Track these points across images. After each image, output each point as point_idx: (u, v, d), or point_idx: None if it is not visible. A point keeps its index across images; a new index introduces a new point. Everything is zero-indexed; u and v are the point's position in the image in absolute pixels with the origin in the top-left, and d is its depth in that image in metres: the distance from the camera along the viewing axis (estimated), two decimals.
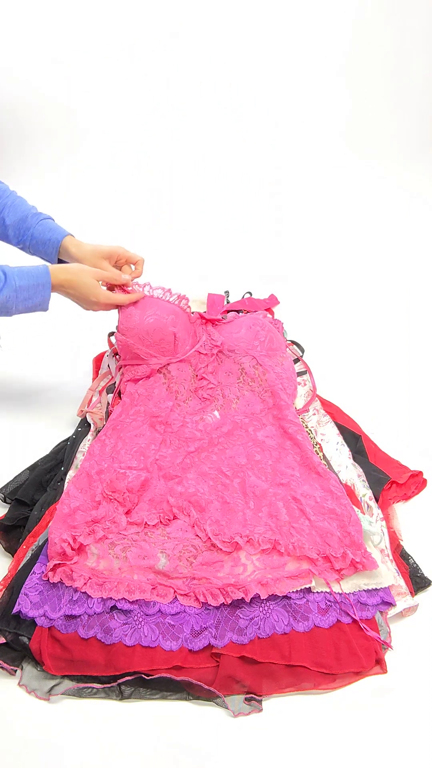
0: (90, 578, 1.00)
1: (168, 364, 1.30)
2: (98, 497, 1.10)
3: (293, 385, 1.35)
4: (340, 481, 1.17)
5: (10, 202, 1.37)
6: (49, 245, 1.34)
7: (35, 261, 1.33)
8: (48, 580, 1.01)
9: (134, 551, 1.04)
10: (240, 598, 0.97)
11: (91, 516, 1.07)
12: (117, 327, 1.31)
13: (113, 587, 0.99)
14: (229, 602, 0.97)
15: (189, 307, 1.33)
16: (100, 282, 1.28)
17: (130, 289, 1.32)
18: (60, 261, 1.37)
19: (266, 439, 1.24)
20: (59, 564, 1.02)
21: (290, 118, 2.89)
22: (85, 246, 1.33)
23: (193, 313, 1.34)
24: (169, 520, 1.10)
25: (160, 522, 1.09)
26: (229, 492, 1.13)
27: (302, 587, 0.99)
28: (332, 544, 1.02)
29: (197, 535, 1.07)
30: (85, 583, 1.00)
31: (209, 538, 1.05)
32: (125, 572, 1.01)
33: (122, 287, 1.32)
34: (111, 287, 1.32)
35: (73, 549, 1.02)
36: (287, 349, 1.54)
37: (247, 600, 0.96)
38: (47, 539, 1.07)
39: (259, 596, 0.98)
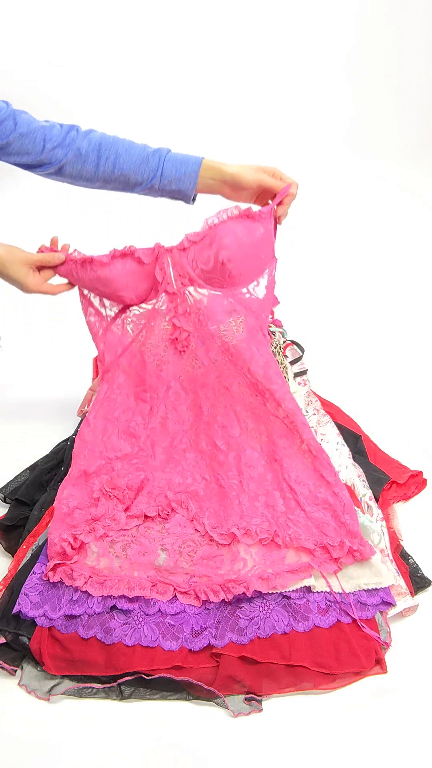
0: (90, 577, 1.00)
1: (141, 330, 1.19)
2: (96, 494, 1.10)
3: (267, 310, 1.20)
4: (330, 461, 1.13)
5: (117, 149, 1.15)
6: (188, 165, 1.13)
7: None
8: (48, 580, 1.01)
9: (134, 548, 1.04)
10: (241, 593, 0.97)
11: (91, 514, 1.06)
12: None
13: (114, 585, 0.99)
14: (231, 598, 0.97)
15: (138, 250, 1.13)
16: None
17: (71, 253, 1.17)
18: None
19: (252, 402, 1.17)
20: (59, 564, 1.02)
21: (291, 118, 2.89)
22: (230, 163, 1.14)
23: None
24: (167, 514, 1.10)
25: (159, 516, 1.09)
26: (224, 470, 1.12)
27: (302, 586, 0.99)
28: (329, 533, 1.03)
29: (196, 530, 1.07)
30: (85, 582, 1.00)
31: (207, 532, 1.05)
32: (125, 570, 1.01)
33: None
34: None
35: (73, 548, 1.02)
36: (286, 349, 1.54)
37: (249, 594, 0.96)
38: (47, 539, 1.07)
39: (261, 594, 0.98)
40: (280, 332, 1.57)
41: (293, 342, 1.55)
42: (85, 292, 1.19)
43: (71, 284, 1.19)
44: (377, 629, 0.97)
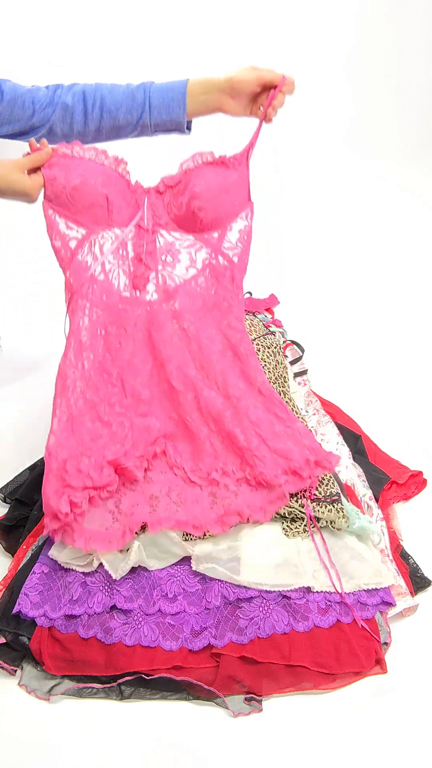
0: (90, 538, 1.00)
1: (105, 230, 1.13)
2: (101, 462, 1.05)
3: (244, 263, 1.23)
4: (284, 402, 1.16)
5: (101, 92, 1.13)
6: (175, 90, 1.11)
7: None
8: (47, 576, 1.01)
9: (125, 501, 1.05)
10: (236, 522, 1.02)
11: (92, 482, 1.03)
12: (44, 195, 1.12)
13: (117, 539, 0.99)
14: (227, 530, 1.02)
15: (128, 172, 1.13)
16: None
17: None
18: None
19: (209, 344, 1.17)
20: (59, 527, 1.00)
21: (292, 118, 2.89)
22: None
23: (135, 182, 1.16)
24: (149, 463, 1.11)
25: (146, 470, 1.10)
26: (187, 411, 1.13)
27: (302, 586, 0.99)
28: (293, 457, 1.06)
29: (176, 474, 1.09)
30: (86, 542, 0.99)
31: (188, 477, 1.08)
32: (123, 523, 1.02)
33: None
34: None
35: (70, 513, 1.00)
36: (286, 349, 1.54)
37: (243, 521, 1.02)
38: (47, 539, 1.07)
39: (261, 593, 0.98)
40: (280, 332, 1.57)
41: (293, 342, 1.56)
42: (50, 212, 1.12)
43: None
44: (377, 629, 0.97)
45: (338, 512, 1.08)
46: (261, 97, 1.12)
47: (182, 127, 1.13)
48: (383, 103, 2.99)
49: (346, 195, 2.71)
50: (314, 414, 1.37)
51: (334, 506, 1.09)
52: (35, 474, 1.26)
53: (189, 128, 1.16)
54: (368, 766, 0.84)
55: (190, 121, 1.16)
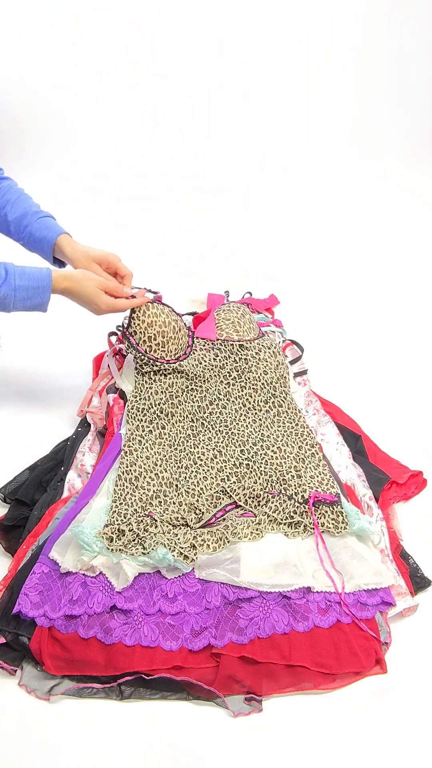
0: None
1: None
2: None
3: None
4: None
5: (14, 198, 1.38)
6: (44, 243, 1.34)
7: (41, 261, 1.34)
8: (47, 576, 1.01)
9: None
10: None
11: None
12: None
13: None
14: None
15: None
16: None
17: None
18: (56, 260, 1.38)
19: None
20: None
21: (292, 118, 2.89)
22: (79, 247, 1.33)
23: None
24: None
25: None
26: None
27: (302, 586, 0.99)
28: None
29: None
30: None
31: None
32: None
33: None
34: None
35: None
36: (286, 349, 1.54)
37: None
38: (47, 539, 1.07)
39: (261, 593, 0.98)
40: (279, 332, 1.57)
41: (293, 342, 1.55)
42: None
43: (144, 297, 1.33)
44: (377, 629, 0.97)
45: (338, 515, 1.08)
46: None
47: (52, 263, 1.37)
48: (384, 103, 2.98)
49: (346, 195, 2.71)
50: (314, 414, 1.37)
51: (333, 508, 1.09)
52: (35, 474, 1.26)
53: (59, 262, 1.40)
54: (368, 766, 0.84)
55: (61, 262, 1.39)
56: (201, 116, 2.83)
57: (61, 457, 1.30)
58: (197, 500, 1.15)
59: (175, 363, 1.33)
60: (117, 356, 1.45)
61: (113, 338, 1.49)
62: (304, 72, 2.87)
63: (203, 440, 1.26)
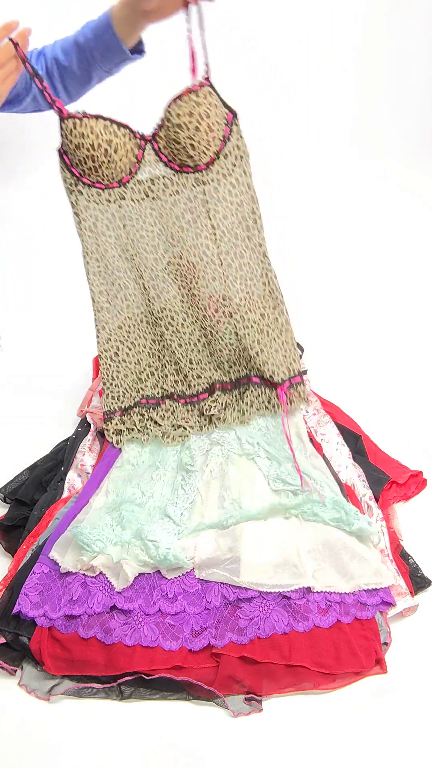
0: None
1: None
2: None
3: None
4: None
5: (59, 45, 1.17)
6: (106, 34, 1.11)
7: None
8: (47, 576, 1.01)
9: None
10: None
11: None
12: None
13: None
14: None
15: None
16: None
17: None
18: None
19: None
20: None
21: (293, 118, 2.89)
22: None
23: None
24: None
25: None
26: None
27: (302, 586, 0.99)
28: None
29: None
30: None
31: None
32: None
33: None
34: None
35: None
36: None
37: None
38: (47, 539, 1.07)
39: (261, 594, 0.98)
40: None
41: None
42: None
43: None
44: (377, 629, 0.97)
45: (301, 392, 1.19)
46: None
47: (124, 54, 1.12)
48: (384, 103, 2.98)
49: (346, 195, 2.71)
50: (314, 414, 1.37)
51: (297, 388, 1.21)
52: (35, 474, 1.26)
53: (139, 51, 1.17)
54: (368, 766, 0.84)
55: (140, 44, 1.16)
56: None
57: (61, 457, 1.30)
58: (181, 374, 1.21)
59: (117, 187, 1.13)
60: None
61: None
62: (304, 72, 2.87)
63: (168, 299, 1.19)
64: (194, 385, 1.19)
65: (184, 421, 1.20)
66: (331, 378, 1.53)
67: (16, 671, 0.96)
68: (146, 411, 1.20)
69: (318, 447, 1.26)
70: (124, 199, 1.13)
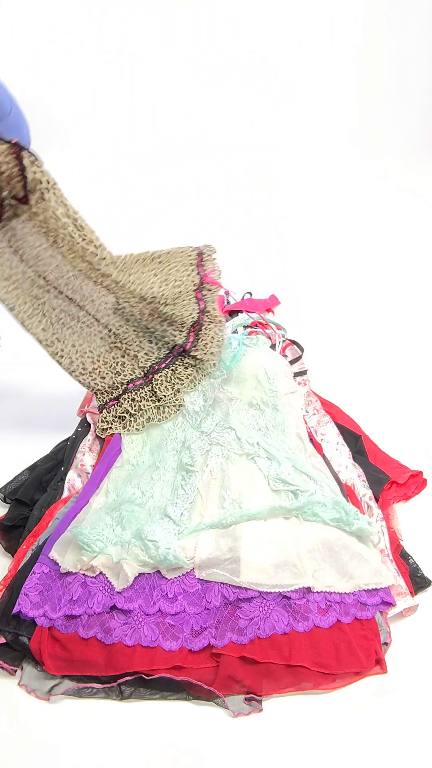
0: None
1: None
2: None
3: None
4: None
5: None
6: None
7: None
8: (47, 576, 1.01)
9: None
10: None
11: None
12: None
13: None
14: None
15: None
16: None
17: None
18: None
19: None
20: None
21: (293, 118, 2.89)
22: None
23: None
24: None
25: None
26: None
27: (302, 586, 0.99)
28: None
29: None
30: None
31: None
32: None
33: None
34: None
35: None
36: (286, 349, 1.54)
37: None
38: (47, 539, 1.07)
39: (261, 594, 0.98)
40: (280, 333, 1.57)
41: (293, 342, 1.55)
42: None
43: None
44: (377, 629, 0.97)
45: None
46: None
47: None
48: (384, 103, 2.98)
49: (346, 195, 2.71)
50: (314, 414, 1.37)
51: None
52: (35, 474, 1.26)
53: None
54: (368, 766, 0.84)
55: None
56: (201, 116, 2.82)
57: (61, 457, 1.30)
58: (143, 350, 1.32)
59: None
60: None
61: None
62: (304, 72, 2.87)
63: (85, 290, 1.31)
64: (159, 347, 1.31)
65: (178, 380, 1.29)
66: (331, 378, 1.53)
67: (16, 671, 0.96)
68: (136, 392, 1.30)
69: (318, 447, 1.26)
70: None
